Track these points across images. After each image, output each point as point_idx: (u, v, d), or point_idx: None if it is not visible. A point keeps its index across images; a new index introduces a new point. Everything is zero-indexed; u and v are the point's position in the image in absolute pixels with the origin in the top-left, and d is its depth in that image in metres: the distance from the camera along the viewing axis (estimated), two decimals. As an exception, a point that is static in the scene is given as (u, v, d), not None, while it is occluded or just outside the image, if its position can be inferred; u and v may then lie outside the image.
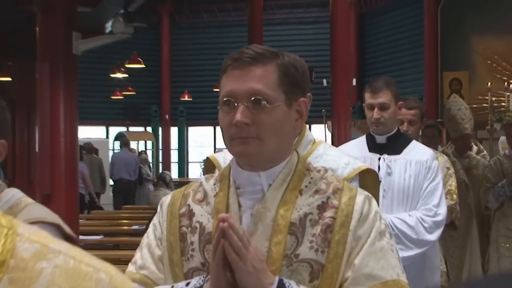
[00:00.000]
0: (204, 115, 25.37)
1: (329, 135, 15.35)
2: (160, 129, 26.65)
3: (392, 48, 22.66)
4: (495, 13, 17.05)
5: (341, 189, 2.16)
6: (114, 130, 25.83)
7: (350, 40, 16.44)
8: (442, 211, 4.34)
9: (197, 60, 25.87)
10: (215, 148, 26.06)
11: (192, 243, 2.17)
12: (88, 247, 8.72)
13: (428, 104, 18.38)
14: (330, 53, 13.63)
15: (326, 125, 16.04)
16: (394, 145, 4.44)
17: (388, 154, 4.42)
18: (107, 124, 26.39)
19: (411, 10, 21.43)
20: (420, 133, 7.23)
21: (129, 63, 18.80)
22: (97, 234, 10.65)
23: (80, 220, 10.68)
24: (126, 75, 20.58)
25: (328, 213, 2.10)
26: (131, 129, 26.44)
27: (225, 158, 3.11)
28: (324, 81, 17.18)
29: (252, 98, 2.07)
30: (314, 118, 22.32)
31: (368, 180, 3.13)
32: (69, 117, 9.12)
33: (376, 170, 4.06)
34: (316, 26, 25.05)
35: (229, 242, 1.98)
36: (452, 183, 5.47)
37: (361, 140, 4.61)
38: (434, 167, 4.40)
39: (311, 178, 2.18)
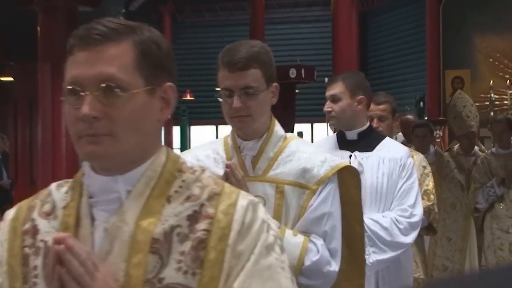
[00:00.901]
0: (206, 114, 25.36)
1: (331, 133, 15.33)
2: (162, 128, 26.62)
3: (394, 47, 22.65)
4: (497, 11, 17.03)
5: (219, 194, 1.72)
6: (116, 130, 25.83)
7: (352, 39, 16.44)
8: (418, 211, 4.04)
9: (198, 59, 25.86)
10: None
11: (35, 267, 1.73)
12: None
13: (430, 102, 18.38)
14: (332, 52, 13.64)
15: (328, 124, 16.00)
16: (366, 141, 4.13)
17: (359, 151, 4.10)
18: (109, 123, 26.40)
19: (413, 8, 21.42)
20: (413, 132, 7.31)
21: (130, 62, 18.78)
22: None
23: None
24: (128, 74, 20.58)
25: (201, 225, 1.67)
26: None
27: (197, 156, 2.94)
28: (326, 79, 17.12)
29: (102, 85, 1.65)
30: (316, 117, 22.39)
31: (348, 178, 2.96)
32: (71, 117, 9.11)
33: None
34: (318, 24, 25.03)
35: (68, 269, 1.58)
36: (429, 182, 5.10)
37: (332, 137, 4.34)
38: (409, 165, 4.11)
39: (183, 181, 1.75)
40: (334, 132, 4.65)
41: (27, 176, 13.24)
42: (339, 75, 4.30)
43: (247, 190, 2.56)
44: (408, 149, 4.32)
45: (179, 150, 27.27)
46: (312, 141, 24.02)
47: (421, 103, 19.27)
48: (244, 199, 1.72)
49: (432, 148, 7.37)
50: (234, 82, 2.72)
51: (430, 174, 5.18)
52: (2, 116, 17.04)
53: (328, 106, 4.11)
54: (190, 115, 26.27)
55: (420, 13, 20.17)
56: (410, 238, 4.02)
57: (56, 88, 8.99)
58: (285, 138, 2.89)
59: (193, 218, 1.68)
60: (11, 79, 14.33)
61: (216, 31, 26.08)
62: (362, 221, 3.09)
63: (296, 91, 16.06)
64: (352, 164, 3.64)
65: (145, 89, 1.70)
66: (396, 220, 3.96)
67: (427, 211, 4.76)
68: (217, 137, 27.54)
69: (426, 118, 16.63)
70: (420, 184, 4.65)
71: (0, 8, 11.01)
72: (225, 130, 2.99)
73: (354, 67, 18.18)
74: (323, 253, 2.76)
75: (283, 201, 2.77)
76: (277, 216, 2.73)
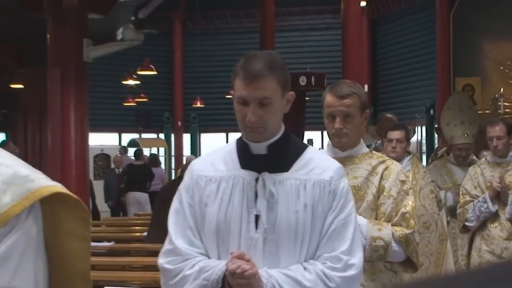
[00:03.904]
0: (217, 122, 25.38)
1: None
2: (172, 135, 26.67)
3: (404, 54, 22.62)
4: (507, 19, 16.99)
5: None
6: (127, 137, 25.86)
7: (362, 46, 16.43)
8: (356, 260, 2.84)
9: (209, 67, 25.88)
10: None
11: None
12: (99, 253, 8.72)
13: (440, 110, 18.33)
14: (342, 60, 13.62)
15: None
16: (279, 157, 2.90)
17: (270, 171, 2.86)
18: (120, 130, 26.43)
19: (423, 16, 21.39)
20: (385, 136, 6.17)
21: (141, 70, 18.81)
22: (109, 241, 10.64)
23: (98, 228, 10.67)
24: (139, 82, 20.61)
25: None
26: (144, 136, 26.47)
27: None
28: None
29: None
30: (326, 125, 22.35)
31: (62, 213, 1.98)
32: (80, 124, 9.13)
33: (251, 198, 2.86)
34: (328, 32, 25.03)
35: None
36: (409, 203, 3.81)
37: (231, 149, 2.99)
38: (342, 190, 2.90)
39: None
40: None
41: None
42: (258, 64, 2.77)
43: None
44: (340, 166, 3.01)
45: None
46: (322, 148, 24.02)
47: (431, 111, 19.25)
48: None
49: (407, 156, 6.15)
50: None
51: (411, 192, 3.92)
52: (13, 123, 17.11)
53: (252, 115, 2.80)
54: (200, 123, 26.30)
55: (430, 21, 20.15)
56: None
57: (65, 95, 9.00)
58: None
59: None
60: (21, 86, 14.37)
61: (226, 39, 26.11)
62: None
63: (306, 98, 16.03)
64: (258, 192, 2.84)
65: None
66: (325, 274, 2.81)
67: (403, 241, 3.70)
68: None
69: (436, 126, 16.59)
70: (397, 205, 3.75)
71: (10, 16, 11.05)
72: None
73: (364, 74, 18.18)
74: None
75: None
76: None
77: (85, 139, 9.30)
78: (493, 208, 6.13)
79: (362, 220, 3.61)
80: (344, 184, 2.93)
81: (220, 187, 2.90)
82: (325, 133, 24.24)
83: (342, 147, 3.84)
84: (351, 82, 3.89)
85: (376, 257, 3.69)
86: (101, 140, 22.81)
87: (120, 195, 16.72)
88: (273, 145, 2.90)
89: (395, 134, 6.09)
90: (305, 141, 12.69)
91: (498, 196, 6.15)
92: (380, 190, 3.79)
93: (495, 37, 17.31)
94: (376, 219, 3.76)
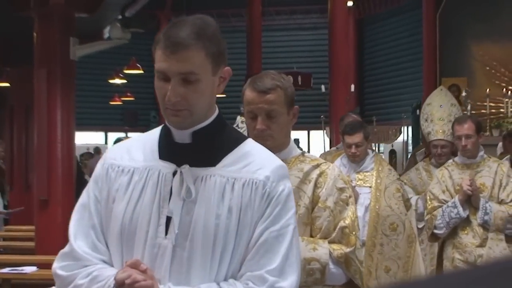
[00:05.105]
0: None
1: (327, 141, 15.35)
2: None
3: (390, 54, 22.67)
4: (493, 19, 17.06)
5: None
6: (113, 136, 25.82)
7: (348, 46, 16.47)
8: (286, 284, 2.24)
9: (195, 66, 25.85)
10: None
11: None
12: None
13: (426, 110, 18.38)
14: (328, 59, 13.67)
15: (324, 131, 16.04)
16: (206, 148, 2.37)
17: (192, 165, 2.32)
18: (106, 129, 26.40)
19: (410, 16, 21.44)
20: (342, 138, 5.75)
21: (127, 69, 18.78)
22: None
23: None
24: (125, 81, 20.58)
25: None
26: (130, 134, 26.41)
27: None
28: (323, 87, 17.19)
29: None
30: (313, 124, 22.37)
31: None
32: (66, 123, 9.11)
33: (165, 196, 2.32)
34: (314, 32, 25.05)
35: None
36: (349, 214, 3.19)
37: (155, 136, 2.47)
38: (280, 194, 2.31)
39: None
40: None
41: (22, 181, 13.22)
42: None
43: None
44: (282, 165, 2.42)
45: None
46: (308, 149, 24.01)
47: (418, 111, 19.27)
48: None
49: (370, 154, 5.77)
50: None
51: (351, 201, 3.26)
52: (-2, 121, 17.03)
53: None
54: (186, 122, 26.26)
55: (417, 21, 20.20)
56: None
57: (52, 94, 8.98)
58: None
59: None
60: (7, 84, 14.31)
61: (213, 38, 26.08)
62: None
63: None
64: (173, 189, 2.31)
65: None
66: None
67: (343, 261, 3.12)
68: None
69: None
70: (335, 217, 3.14)
71: (-3, 13, 11.00)
72: None
73: (351, 74, 18.20)
74: None
75: None
76: None
77: (71, 138, 9.27)
78: (463, 213, 5.59)
79: None
80: (284, 188, 2.32)
81: (132, 180, 2.36)
82: (312, 133, 24.30)
83: None
84: (275, 73, 3.22)
85: (312, 281, 3.08)
86: (87, 139, 22.75)
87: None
88: (199, 132, 2.34)
89: (353, 139, 5.61)
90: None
91: (469, 200, 5.63)
92: (314, 200, 3.14)
93: (481, 37, 17.38)
94: (310, 235, 3.14)
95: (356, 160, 5.59)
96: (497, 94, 16.29)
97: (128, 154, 2.42)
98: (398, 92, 22.06)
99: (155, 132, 2.47)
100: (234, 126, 10.31)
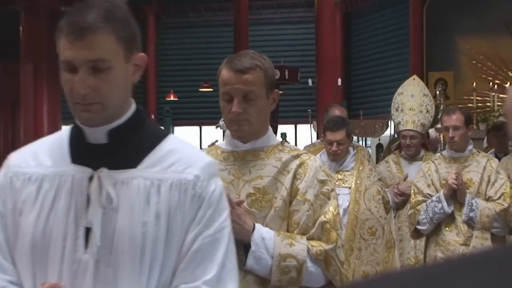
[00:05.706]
0: (190, 115, 25.30)
1: (314, 135, 15.36)
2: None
3: (377, 48, 22.68)
4: (480, 13, 17.10)
5: None
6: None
7: (335, 40, 16.48)
8: None
9: (182, 60, 25.80)
10: (201, 148, 26.00)
11: None
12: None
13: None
14: (315, 53, 13.67)
15: (311, 125, 16.04)
16: (125, 148, 2.14)
17: (111, 168, 2.09)
18: (93, 124, 26.40)
19: (397, 10, 21.46)
20: (324, 135, 5.51)
21: (114, 63, 18.76)
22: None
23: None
24: (112, 75, 20.57)
25: None
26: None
27: None
28: (310, 81, 17.18)
29: None
30: (300, 118, 22.39)
31: None
32: (53, 117, 9.09)
33: (82, 205, 2.09)
34: (301, 26, 25.03)
35: None
36: (330, 209, 2.94)
37: (63, 137, 2.20)
38: (212, 194, 2.11)
39: None
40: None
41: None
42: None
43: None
44: (210, 161, 2.22)
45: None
46: (295, 143, 24.02)
47: (405, 105, 19.32)
48: None
49: (351, 152, 5.46)
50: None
51: (333, 195, 2.99)
52: (-16, 116, 16.96)
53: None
54: (173, 116, 26.25)
55: (403, 15, 20.22)
56: None
57: (38, 88, 8.95)
58: None
59: None
60: (-7, 79, 14.25)
61: (200, 32, 26.03)
62: None
63: (280, 92, 16.07)
64: (92, 196, 2.05)
65: None
66: None
67: (322, 259, 2.89)
68: (200, 138, 27.05)
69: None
70: (315, 212, 2.90)
71: (-18, 7, 10.95)
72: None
73: (338, 68, 18.21)
74: None
75: None
76: None
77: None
78: (448, 208, 5.32)
79: (268, 233, 2.79)
80: (216, 187, 2.11)
81: (42, 188, 2.09)
82: (299, 126, 24.30)
83: (243, 138, 2.96)
84: (255, 52, 3.02)
85: (286, 280, 2.81)
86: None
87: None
88: (116, 130, 2.10)
89: (335, 136, 5.29)
90: (278, 135, 12.53)
91: (454, 195, 5.36)
92: (292, 193, 2.88)
93: (468, 32, 17.42)
94: (288, 231, 2.88)
95: (337, 159, 5.33)
96: (483, 88, 16.33)
97: (35, 160, 2.14)
98: (385, 86, 22.06)
99: (63, 133, 2.20)
100: (220, 122, 10.23)
